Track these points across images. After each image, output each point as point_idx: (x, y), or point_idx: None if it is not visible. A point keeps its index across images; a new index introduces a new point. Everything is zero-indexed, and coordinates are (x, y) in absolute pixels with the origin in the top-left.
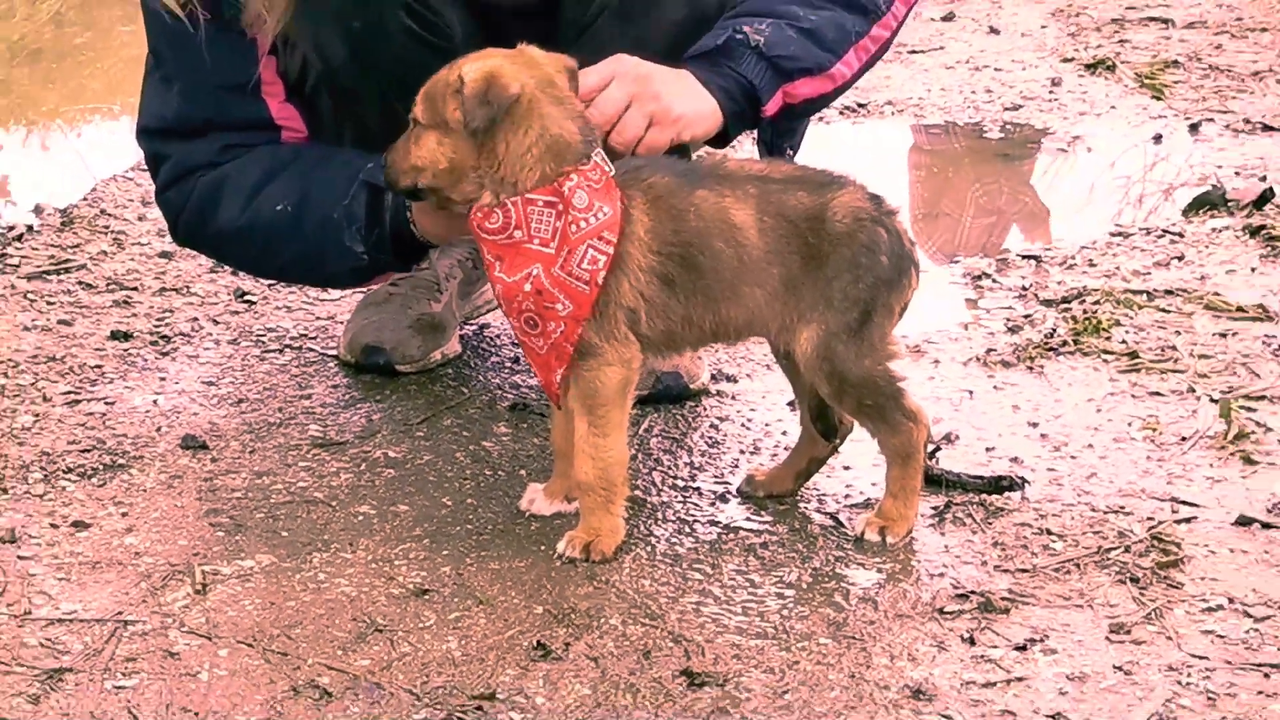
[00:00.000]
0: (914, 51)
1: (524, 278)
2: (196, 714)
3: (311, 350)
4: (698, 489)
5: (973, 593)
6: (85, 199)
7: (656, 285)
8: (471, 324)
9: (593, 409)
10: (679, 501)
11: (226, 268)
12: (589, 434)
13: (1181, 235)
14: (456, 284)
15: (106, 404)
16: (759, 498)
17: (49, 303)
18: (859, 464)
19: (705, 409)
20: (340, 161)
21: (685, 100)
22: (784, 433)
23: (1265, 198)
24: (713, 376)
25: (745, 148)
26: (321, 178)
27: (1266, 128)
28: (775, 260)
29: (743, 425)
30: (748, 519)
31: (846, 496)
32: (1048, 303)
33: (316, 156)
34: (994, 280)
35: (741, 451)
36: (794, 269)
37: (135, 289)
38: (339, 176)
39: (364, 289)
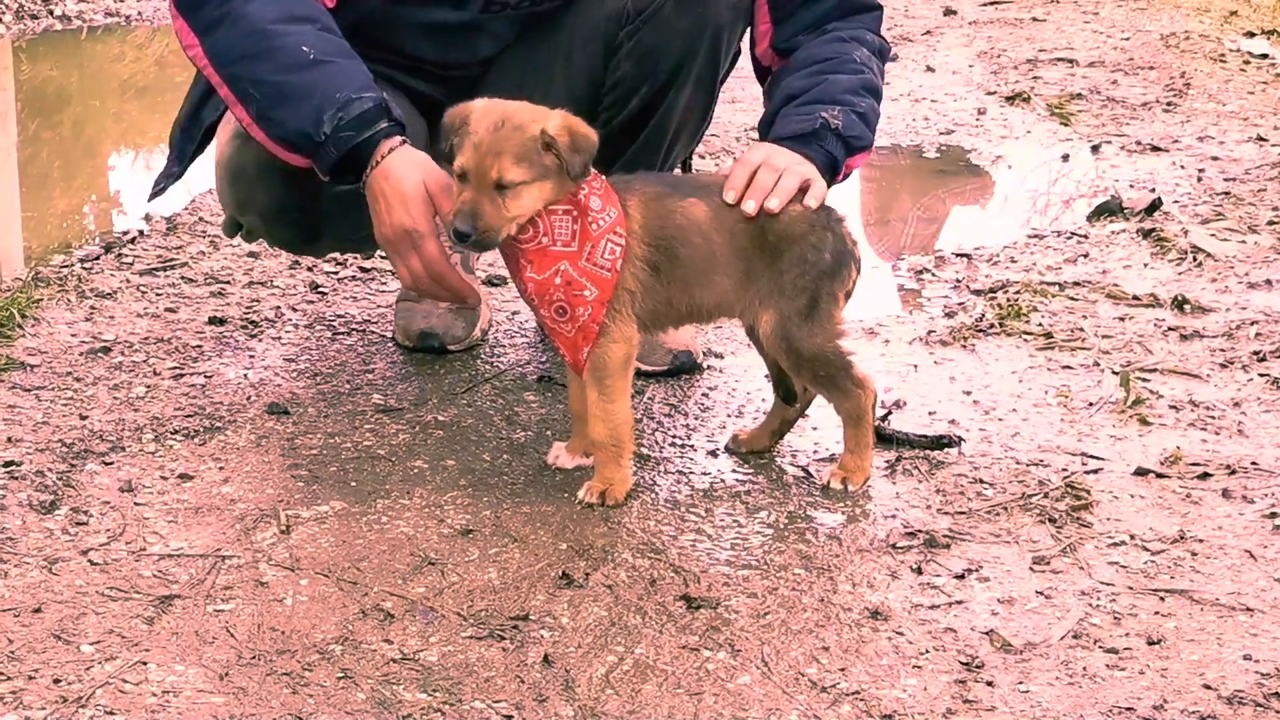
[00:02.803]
0: None
1: (554, 274)
2: (283, 633)
3: (374, 332)
4: (692, 446)
5: (919, 531)
6: (186, 209)
7: (647, 272)
8: (504, 311)
9: (601, 379)
10: (677, 457)
11: (304, 264)
12: (599, 400)
13: (1086, 237)
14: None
15: (205, 377)
16: (742, 454)
17: (157, 294)
18: (825, 425)
19: (698, 380)
20: (365, 71)
21: (803, 169)
22: (763, 400)
23: (1154, 206)
24: (704, 353)
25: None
26: (348, 62)
27: (1155, 148)
28: (740, 255)
29: (729, 394)
30: (733, 471)
31: (815, 452)
32: (978, 292)
33: (348, 48)
34: (933, 274)
35: (729, 415)
36: (754, 262)
37: (228, 282)
38: (359, 74)
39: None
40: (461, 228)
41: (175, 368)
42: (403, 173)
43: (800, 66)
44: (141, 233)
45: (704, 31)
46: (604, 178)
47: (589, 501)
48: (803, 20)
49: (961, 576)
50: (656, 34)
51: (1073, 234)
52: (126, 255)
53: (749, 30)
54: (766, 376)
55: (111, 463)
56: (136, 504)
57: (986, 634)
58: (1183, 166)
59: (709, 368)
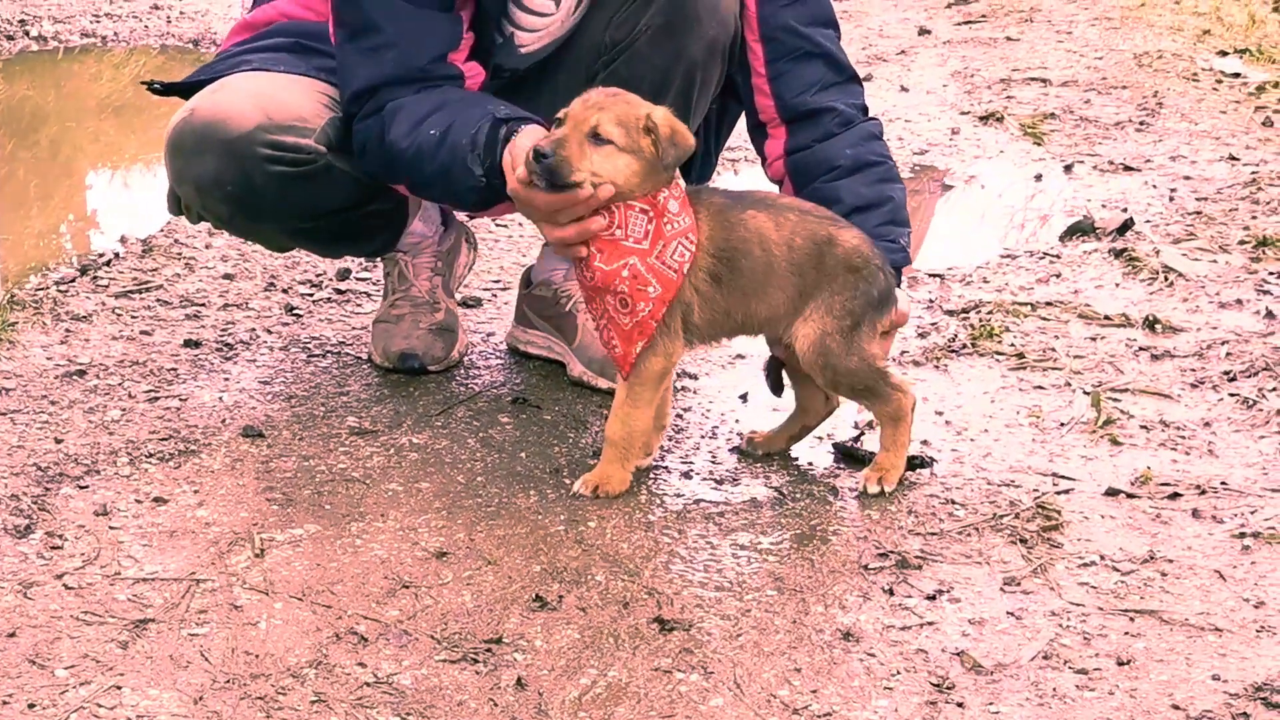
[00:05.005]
0: None
1: (621, 266)
2: (257, 656)
3: (349, 355)
4: (666, 468)
5: (891, 552)
6: (161, 230)
7: (709, 283)
8: (479, 333)
9: (633, 385)
10: (651, 478)
11: (279, 286)
12: (626, 401)
13: (1058, 257)
14: (440, 290)
15: (180, 400)
16: (757, 455)
17: (132, 316)
18: (798, 449)
19: (672, 402)
20: (484, 104)
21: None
22: (737, 421)
23: (1126, 226)
24: (678, 375)
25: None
26: (465, 113)
27: (1127, 168)
28: (796, 271)
29: (703, 415)
30: (707, 493)
31: (788, 476)
32: (950, 313)
33: (471, 98)
34: (907, 294)
35: (702, 436)
36: (808, 280)
37: (203, 305)
38: (476, 113)
39: (488, 217)
40: (542, 147)
41: (150, 391)
42: (515, 148)
43: (854, 168)
44: (117, 255)
45: (677, 67)
46: (684, 185)
47: (582, 493)
48: (802, 78)
49: (933, 597)
50: (630, 68)
51: (1045, 254)
52: (102, 277)
53: (745, 82)
54: (742, 398)
55: (86, 486)
56: (111, 528)
57: (957, 655)
58: (1155, 186)
59: (682, 389)
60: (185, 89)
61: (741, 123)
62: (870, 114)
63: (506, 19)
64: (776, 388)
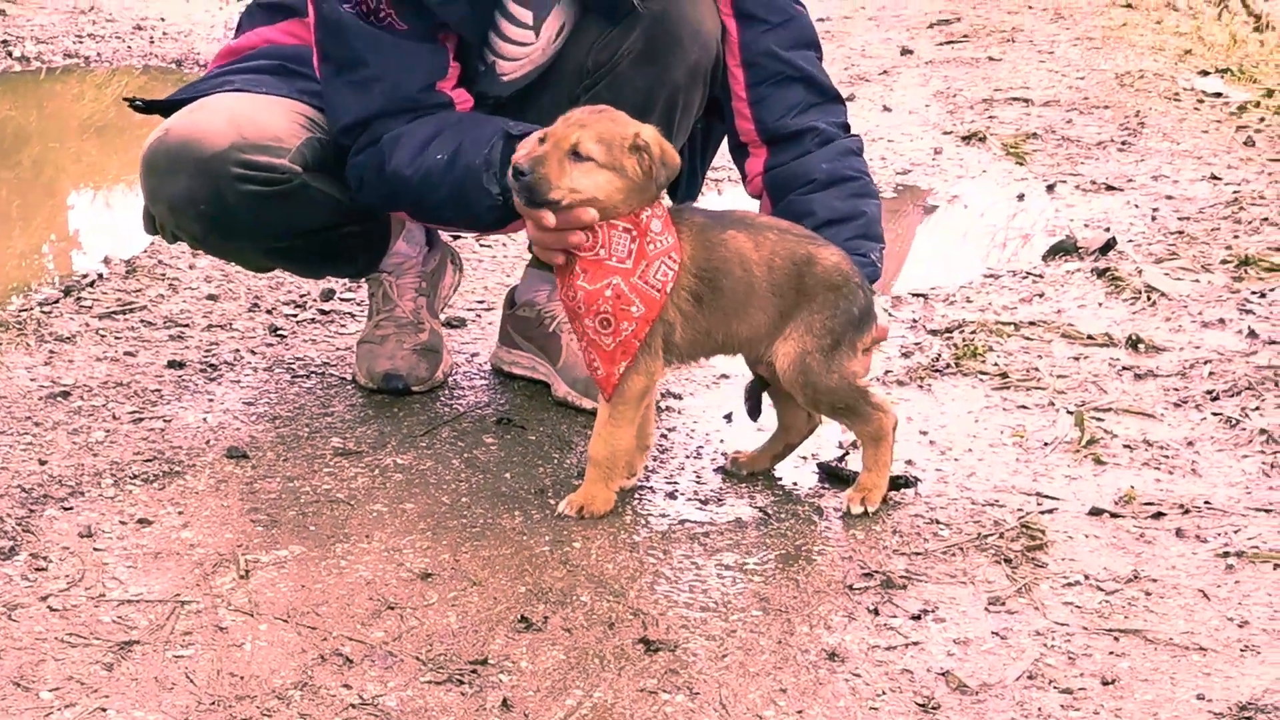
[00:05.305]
0: None
1: (604, 285)
2: (242, 678)
3: (333, 375)
4: (651, 488)
5: (876, 572)
6: (145, 251)
7: (691, 303)
8: (463, 354)
9: (615, 404)
10: (635, 498)
11: (263, 306)
12: (608, 421)
13: (1041, 276)
14: (425, 310)
15: (165, 421)
16: (742, 475)
17: (116, 337)
18: (781, 469)
19: (656, 422)
20: (493, 124)
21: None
22: (721, 440)
23: (1109, 245)
24: (662, 395)
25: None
26: (473, 133)
27: (1109, 187)
28: (776, 292)
29: (687, 435)
30: (692, 513)
31: (773, 496)
32: (934, 332)
33: (476, 119)
34: (890, 314)
35: (687, 456)
36: (788, 300)
37: (187, 326)
38: (486, 132)
39: (505, 234)
40: (520, 164)
41: (134, 412)
42: None
43: (829, 182)
44: (100, 276)
45: (659, 91)
46: (667, 204)
47: (567, 514)
48: (783, 102)
49: (918, 617)
50: (612, 91)
51: (1028, 273)
52: (85, 299)
53: (726, 104)
54: (726, 418)
55: (71, 508)
56: (96, 549)
57: (942, 675)
58: (1137, 206)
59: (667, 409)
60: (167, 107)
61: (726, 141)
62: (852, 131)
63: (488, 48)
64: (754, 412)
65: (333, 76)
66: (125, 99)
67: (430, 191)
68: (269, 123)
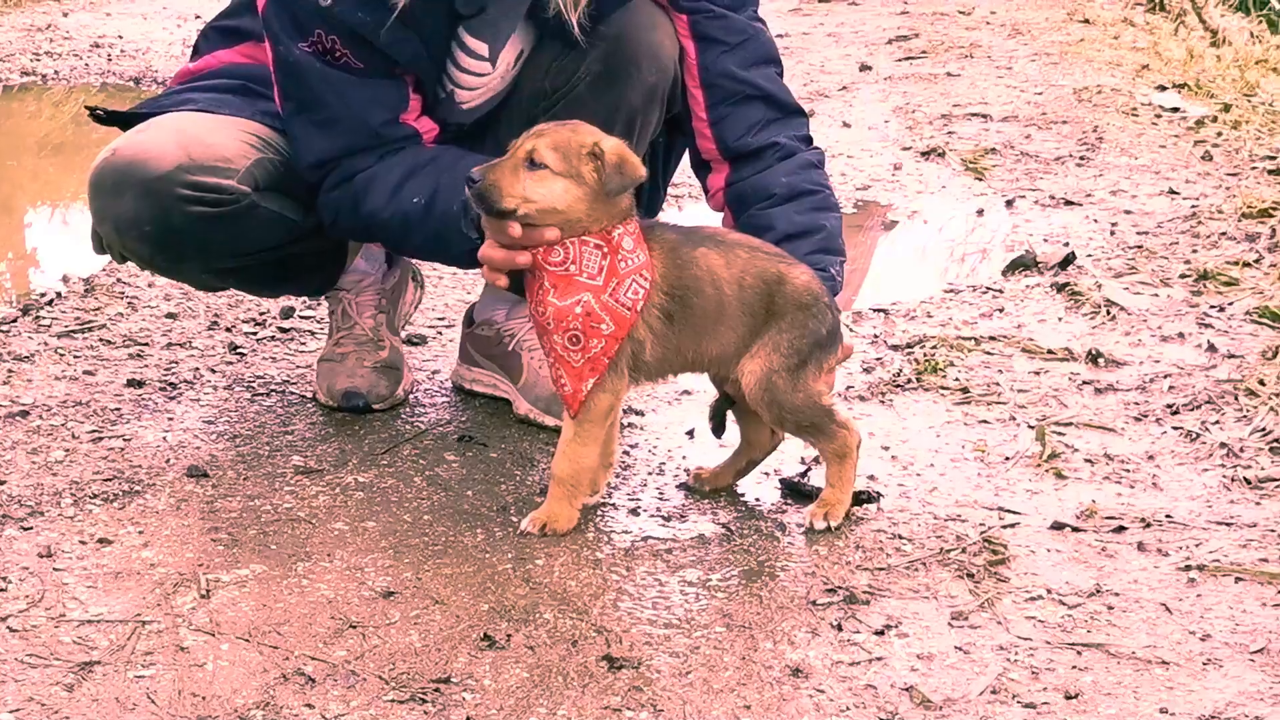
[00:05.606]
0: None
1: (575, 302)
2: (204, 698)
3: (293, 393)
4: (614, 505)
5: (839, 587)
6: (104, 270)
7: (661, 321)
8: (424, 371)
9: (581, 422)
10: (598, 515)
11: (222, 324)
12: (573, 440)
13: (1001, 291)
14: (385, 328)
15: (124, 440)
16: (704, 491)
17: (75, 356)
18: (744, 484)
19: (620, 439)
20: (466, 163)
21: None
22: (684, 456)
23: (1068, 260)
24: (625, 410)
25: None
26: (449, 174)
27: (1068, 202)
28: (746, 310)
29: (649, 451)
30: (655, 529)
31: (735, 512)
32: (895, 347)
33: (450, 159)
34: (851, 329)
35: (650, 473)
36: (757, 319)
37: (146, 344)
38: (461, 176)
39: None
40: (473, 173)
41: (94, 431)
42: None
43: (789, 196)
44: (59, 294)
45: (617, 114)
46: (638, 223)
47: (530, 531)
48: (744, 120)
49: (881, 632)
50: (569, 113)
51: (988, 288)
52: (44, 317)
53: (687, 123)
54: (689, 434)
55: (30, 528)
56: (55, 569)
57: (906, 690)
58: (1096, 220)
59: (629, 425)
60: (128, 119)
61: (687, 156)
62: (814, 145)
63: (447, 77)
64: (718, 429)
65: (295, 114)
66: (87, 107)
67: (408, 234)
68: (218, 143)
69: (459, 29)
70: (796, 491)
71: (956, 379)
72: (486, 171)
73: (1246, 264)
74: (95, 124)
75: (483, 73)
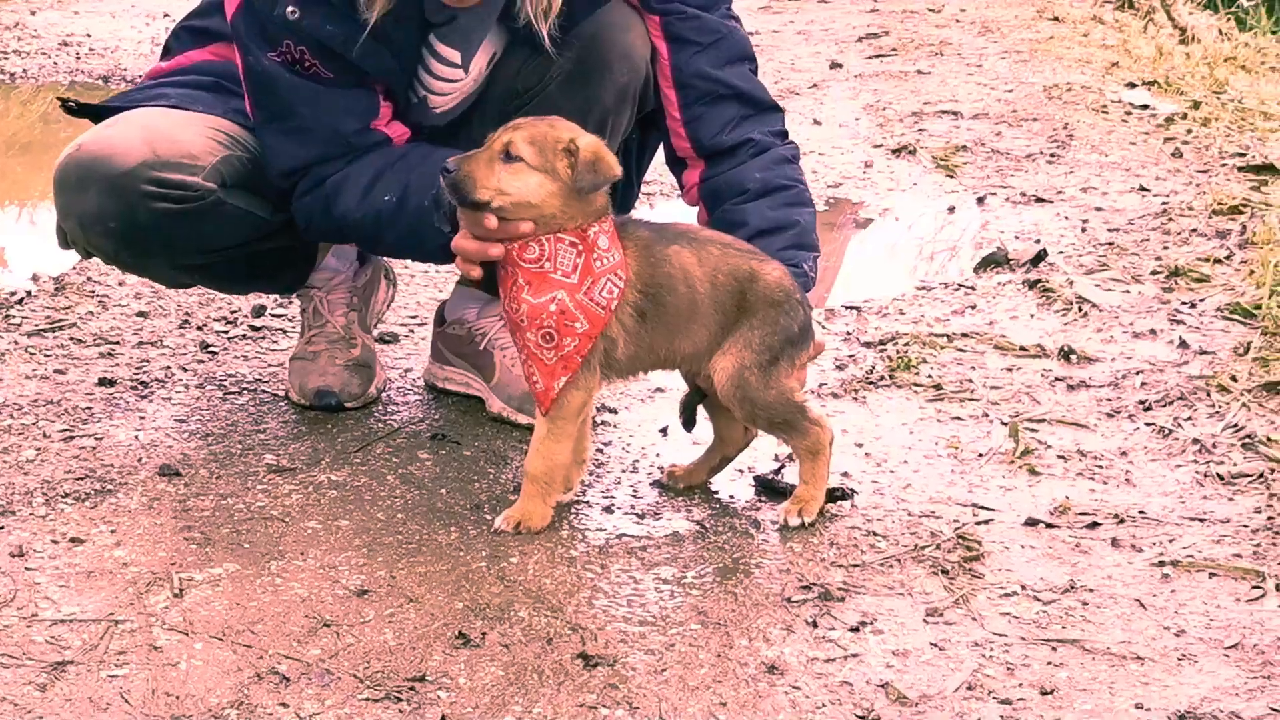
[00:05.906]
0: None
1: (549, 300)
2: (177, 697)
3: (265, 392)
4: (588, 502)
5: (814, 584)
6: (74, 269)
7: (634, 319)
8: (396, 369)
9: (553, 419)
10: (572, 513)
11: (194, 323)
12: (546, 437)
13: (973, 288)
14: (356, 326)
15: (96, 439)
16: (678, 488)
17: (46, 355)
18: (718, 481)
19: (593, 436)
20: (435, 159)
21: None
22: (658, 454)
23: (1040, 257)
24: (598, 409)
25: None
26: (420, 170)
27: (1039, 199)
28: (719, 308)
29: (623, 449)
30: (629, 527)
31: (709, 509)
32: (868, 345)
33: (419, 156)
34: (824, 327)
35: (623, 471)
36: (729, 316)
37: (118, 343)
38: (431, 169)
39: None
40: (448, 164)
41: (65, 430)
42: None
43: (763, 192)
44: (29, 293)
45: (589, 114)
46: (613, 222)
47: (504, 529)
48: (718, 119)
49: (856, 629)
50: (541, 113)
51: (960, 285)
52: (14, 316)
53: (661, 121)
54: (662, 432)
55: (2, 527)
56: (27, 569)
57: (882, 686)
58: (1067, 217)
59: (602, 423)
60: (99, 112)
61: (661, 153)
62: (789, 139)
63: (419, 83)
64: (689, 424)
65: (266, 123)
66: (59, 99)
67: (381, 232)
68: (185, 140)
69: (430, 36)
70: (771, 488)
71: (929, 376)
72: (462, 162)
73: (1217, 260)
74: (64, 122)
75: (456, 79)
